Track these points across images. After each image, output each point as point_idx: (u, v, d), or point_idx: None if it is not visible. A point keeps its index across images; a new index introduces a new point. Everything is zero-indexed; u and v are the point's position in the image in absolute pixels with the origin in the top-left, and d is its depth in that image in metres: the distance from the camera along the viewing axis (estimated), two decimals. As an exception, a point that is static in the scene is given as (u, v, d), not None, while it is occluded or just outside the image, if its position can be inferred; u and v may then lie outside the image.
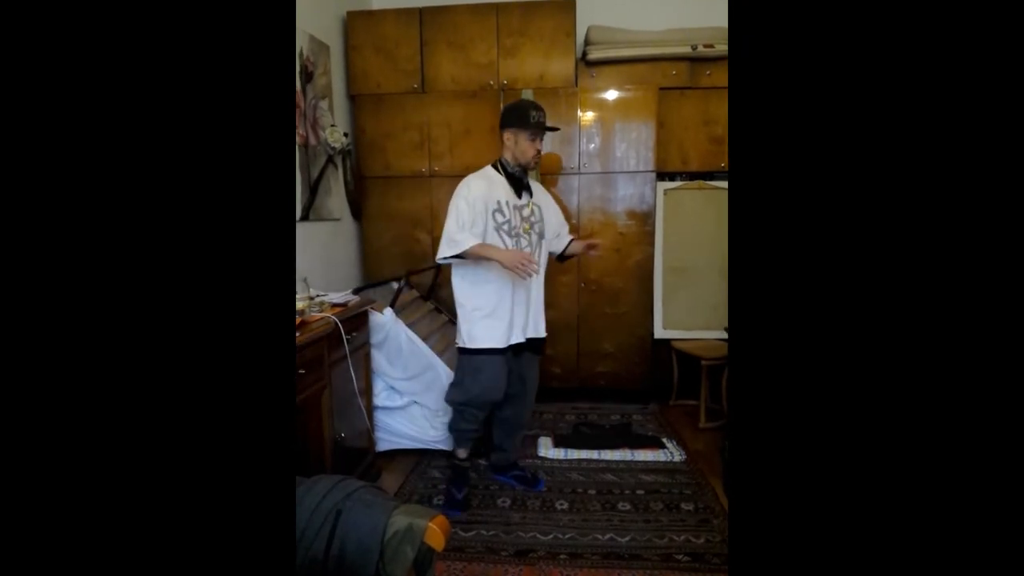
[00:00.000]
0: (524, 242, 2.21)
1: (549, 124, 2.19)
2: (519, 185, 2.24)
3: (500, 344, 2.21)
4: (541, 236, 2.29)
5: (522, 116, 2.16)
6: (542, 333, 2.37)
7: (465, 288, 2.23)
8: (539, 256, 2.27)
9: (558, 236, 2.44)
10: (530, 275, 2.06)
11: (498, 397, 2.28)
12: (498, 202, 2.16)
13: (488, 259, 2.07)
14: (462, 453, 2.39)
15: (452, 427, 2.41)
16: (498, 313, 2.20)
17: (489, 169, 2.26)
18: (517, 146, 2.18)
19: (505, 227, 2.17)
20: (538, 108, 2.19)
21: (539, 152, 2.20)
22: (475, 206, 2.11)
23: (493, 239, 2.14)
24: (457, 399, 2.32)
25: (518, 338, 2.26)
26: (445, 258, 2.14)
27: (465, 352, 2.26)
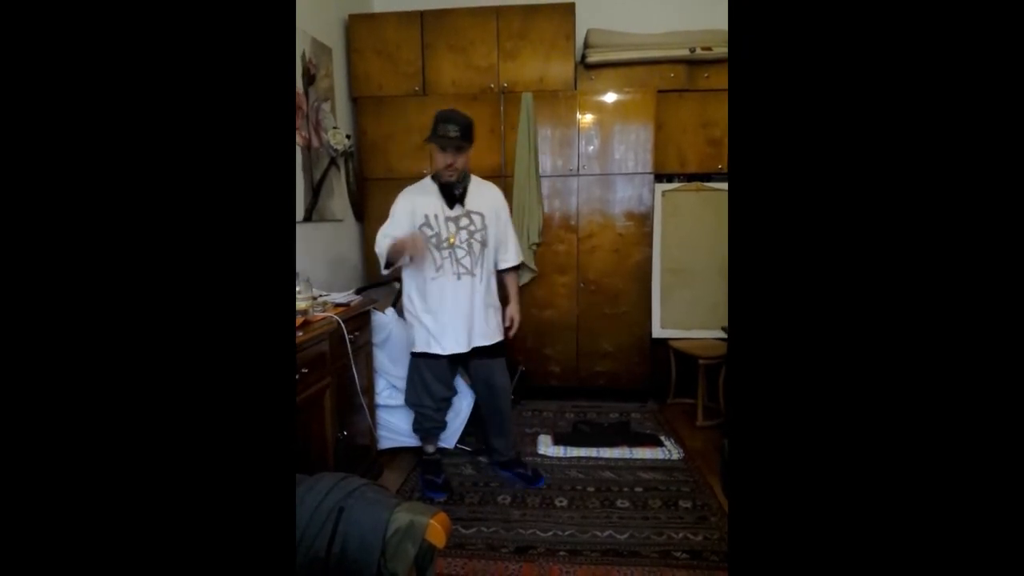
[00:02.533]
0: (461, 252, 2.23)
1: (452, 136, 2.12)
2: (452, 195, 2.24)
3: (435, 351, 2.30)
4: (484, 244, 2.27)
5: (433, 128, 2.17)
6: (490, 341, 2.35)
7: (407, 294, 2.36)
8: (481, 265, 2.28)
9: (501, 249, 2.38)
10: (418, 251, 2.11)
11: (445, 394, 2.42)
12: (425, 216, 2.22)
13: (402, 254, 2.14)
14: (430, 448, 2.52)
15: (415, 428, 2.51)
16: (431, 321, 2.28)
17: (427, 180, 2.30)
18: (433, 158, 2.22)
19: (434, 240, 2.21)
20: (449, 120, 2.14)
21: (451, 165, 2.16)
22: (400, 219, 2.23)
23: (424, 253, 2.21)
24: (410, 400, 2.47)
25: (458, 348, 2.28)
26: (385, 269, 2.22)
27: (412, 355, 2.41)
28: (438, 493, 2.37)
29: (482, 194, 2.32)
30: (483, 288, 2.31)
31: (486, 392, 2.44)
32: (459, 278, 2.24)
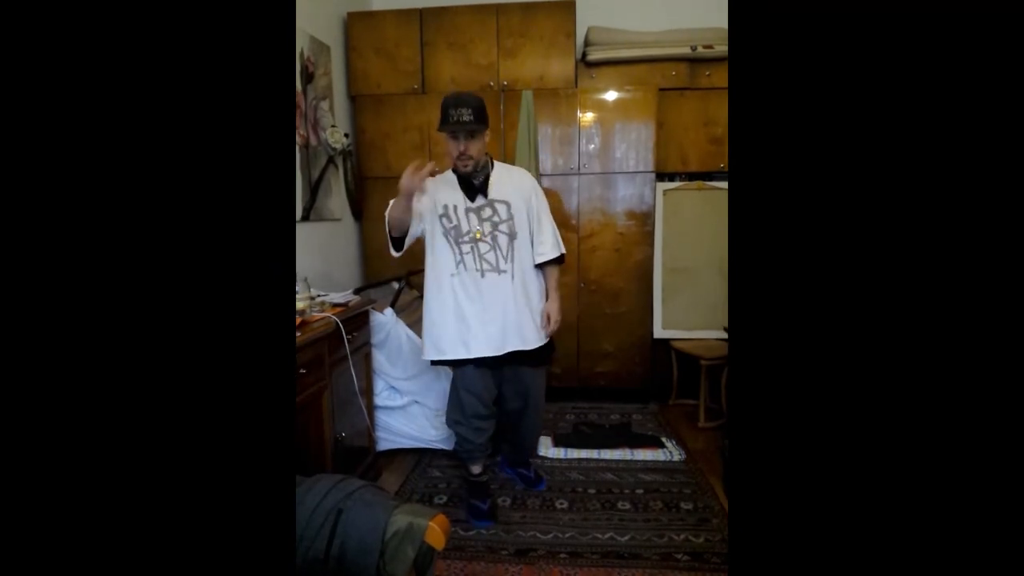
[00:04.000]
0: (485, 247, 2.03)
1: (465, 121, 1.91)
2: (471, 186, 2.05)
3: (464, 355, 2.06)
4: (512, 236, 2.04)
5: (442, 116, 1.96)
6: (530, 345, 2.10)
7: (427, 296, 2.12)
8: (511, 259, 2.06)
9: (536, 241, 2.14)
10: (421, 176, 1.80)
11: (480, 411, 2.15)
12: (444, 206, 2.03)
13: (407, 208, 1.92)
14: (475, 469, 2.27)
15: (455, 448, 2.32)
16: (455, 323, 2.05)
17: (449, 172, 2.11)
18: (447, 148, 2.01)
19: (452, 232, 2.03)
20: (460, 103, 1.92)
21: (463, 152, 1.95)
22: (421, 201, 2.01)
23: (441, 244, 2.04)
24: (448, 417, 2.27)
25: (488, 351, 2.05)
26: (394, 249, 2.05)
27: (436, 365, 2.20)
28: (484, 521, 2.13)
29: (508, 181, 2.09)
30: (517, 286, 2.06)
31: (519, 405, 2.22)
32: (483, 275, 2.03)
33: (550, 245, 2.15)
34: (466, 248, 2.03)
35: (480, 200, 2.05)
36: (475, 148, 1.97)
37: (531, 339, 2.12)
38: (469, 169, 2.01)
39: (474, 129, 1.94)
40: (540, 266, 2.17)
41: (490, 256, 2.04)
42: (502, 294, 2.05)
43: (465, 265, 2.03)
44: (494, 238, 2.04)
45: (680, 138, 3.35)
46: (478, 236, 2.02)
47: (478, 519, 2.16)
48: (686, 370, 3.33)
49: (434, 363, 2.20)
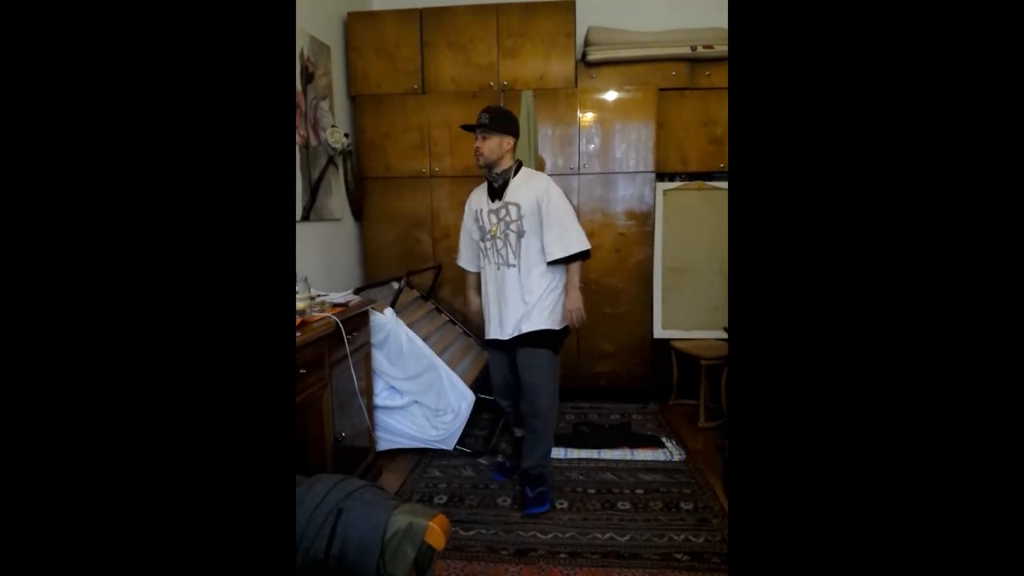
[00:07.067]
0: (500, 243, 2.26)
1: (480, 123, 2.18)
2: (492, 189, 2.29)
3: (487, 336, 2.41)
4: (520, 234, 2.21)
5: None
6: (530, 328, 2.23)
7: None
8: (519, 254, 2.23)
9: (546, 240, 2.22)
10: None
11: (500, 387, 2.49)
12: (476, 211, 2.34)
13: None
14: (518, 432, 2.60)
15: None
16: (487, 310, 2.39)
17: (485, 182, 2.36)
18: None
19: (479, 232, 2.34)
20: (486, 111, 2.21)
21: (477, 148, 2.21)
22: (466, 221, 2.43)
23: (478, 243, 2.38)
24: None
25: (502, 334, 2.29)
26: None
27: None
28: (499, 475, 2.53)
29: (524, 186, 2.24)
30: (527, 278, 2.23)
31: (520, 388, 2.34)
32: (498, 268, 2.29)
33: (556, 245, 2.20)
34: (488, 245, 2.30)
35: (498, 202, 2.27)
36: (487, 147, 2.20)
37: (534, 323, 2.26)
38: (480, 164, 2.24)
39: (485, 127, 2.17)
40: (557, 264, 2.24)
41: (504, 251, 2.27)
42: (511, 285, 2.27)
43: (489, 259, 2.32)
44: (506, 236, 2.26)
45: (680, 138, 3.35)
46: (495, 233, 2.27)
47: (498, 474, 2.51)
48: (686, 370, 3.33)
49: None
